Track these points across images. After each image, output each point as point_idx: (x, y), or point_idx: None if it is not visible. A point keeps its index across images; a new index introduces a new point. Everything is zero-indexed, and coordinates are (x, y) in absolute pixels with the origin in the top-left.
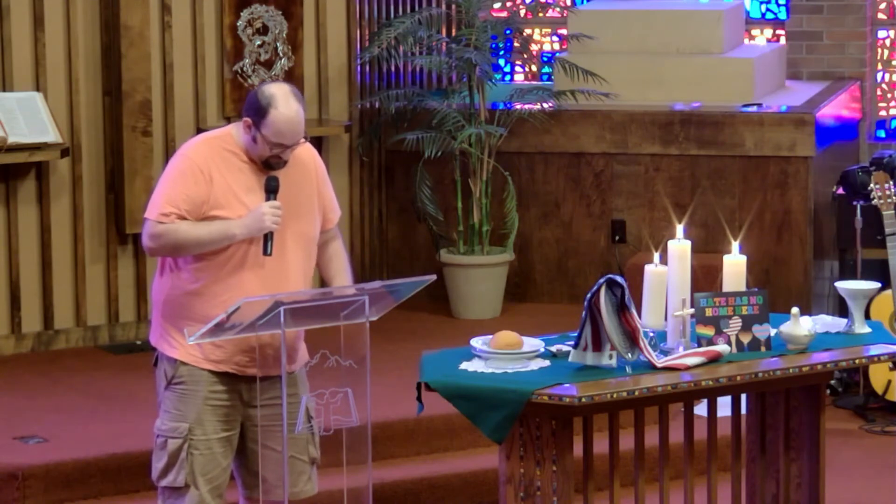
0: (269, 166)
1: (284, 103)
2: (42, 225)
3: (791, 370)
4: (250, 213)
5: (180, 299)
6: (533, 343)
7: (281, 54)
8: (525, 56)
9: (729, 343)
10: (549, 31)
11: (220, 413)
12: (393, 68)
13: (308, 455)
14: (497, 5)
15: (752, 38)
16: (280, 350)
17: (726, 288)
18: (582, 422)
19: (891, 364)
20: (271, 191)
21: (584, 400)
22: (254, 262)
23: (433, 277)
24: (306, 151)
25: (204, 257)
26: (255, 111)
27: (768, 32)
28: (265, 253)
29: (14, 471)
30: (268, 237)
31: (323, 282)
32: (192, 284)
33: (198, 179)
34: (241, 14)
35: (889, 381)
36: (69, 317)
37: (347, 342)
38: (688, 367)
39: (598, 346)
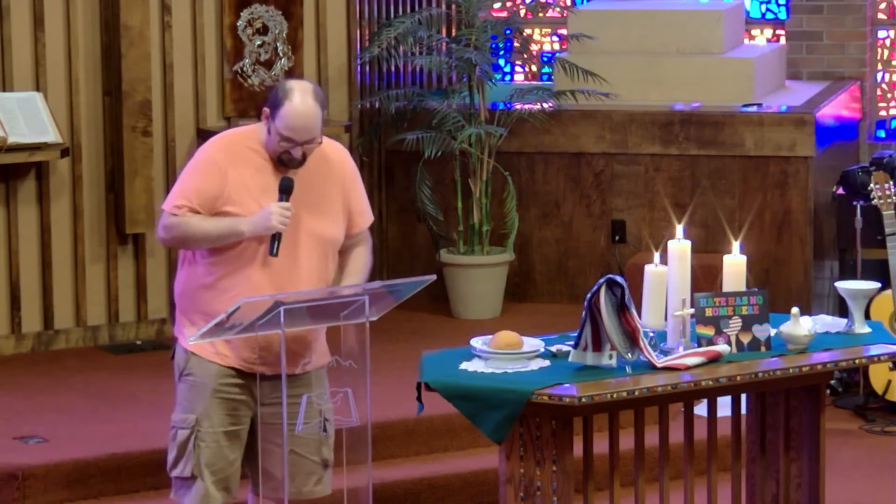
0: (283, 163)
1: (300, 98)
2: (42, 225)
3: (791, 370)
4: (259, 212)
5: (195, 292)
6: (533, 343)
7: (281, 54)
8: (525, 56)
9: (729, 343)
10: (549, 31)
11: (229, 407)
12: (393, 68)
13: (320, 456)
14: (497, 5)
15: (752, 38)
16: (293, 349)
17: (726, 288)
18: (582, 422)
19: (891, 364)
20: (284, 191)
21: (584, 400)
22: (264, 260)
23: (433, 277)
24: (336, 152)
25: (218, 251)
26: (273, 102)
27: (768, 32)
28: (271, 253)
29: (14, 471)
30: (275, 237)
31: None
32: (206, 278)
33: (212, 173)
34: (241, 14)
35: (889, 381)
36: (69, 317)
37: (347, 342)
38: (688, 367)
39: (598, 346)
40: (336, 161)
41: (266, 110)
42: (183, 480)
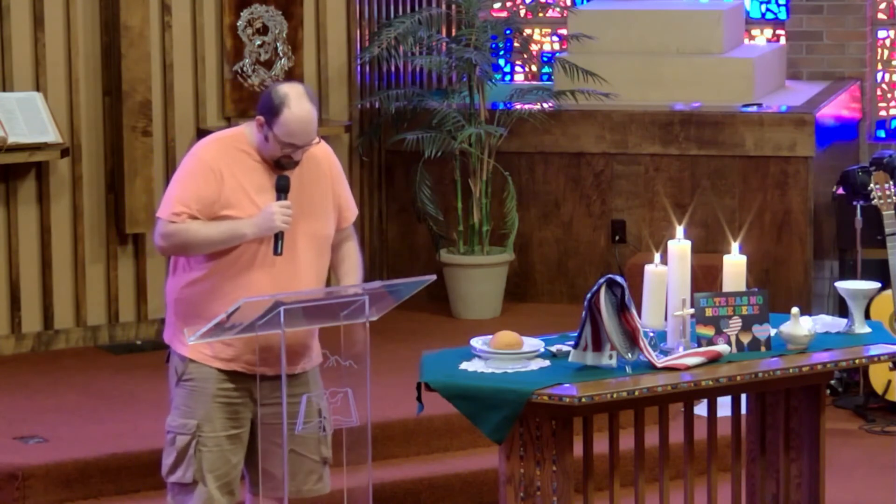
0: (280, 166)
1: (297, 103)
2: (42, 225)
3: (791, 370)
4: (260, 213)
5: (192, 298)
6: (533, 343)
7: (281, 54)
8: (525, 56)
9: (729, 343)
10: (549, 31)
11: (229, 410)
12: (393, 68)
13: (319, 455)
14: (497, 5)
15: (752, 38)
16: (294, 349)
17: (726, 288)
18: (582, 422)
19: (891, 364)
20: (282, 190)
21: (584, 400)
22: (263, 262)
23: (433, 277)
24: (320, 150)
25: (214, 256)
26: (268, 110)
27: (768, 32)
28: (276, 252)
29: (14, 471)
30: (278, 237)
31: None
32: (203, 283)
33: (208, 179)
34: (241, 14)
35: (889, 381)
36: (69, 317)
37: (347, 342)
38: (688, 367)
39: (598, 346)
40: (323, 158)
41: (260, 118)
42: (183, 486)
